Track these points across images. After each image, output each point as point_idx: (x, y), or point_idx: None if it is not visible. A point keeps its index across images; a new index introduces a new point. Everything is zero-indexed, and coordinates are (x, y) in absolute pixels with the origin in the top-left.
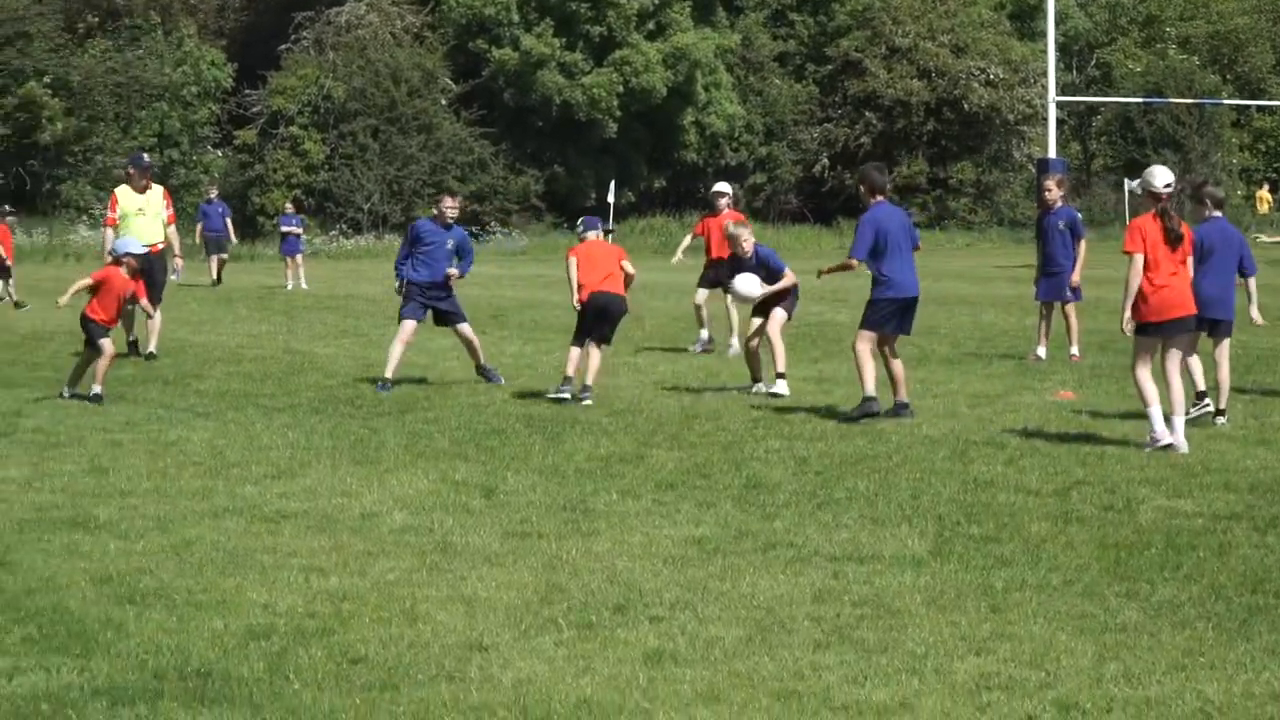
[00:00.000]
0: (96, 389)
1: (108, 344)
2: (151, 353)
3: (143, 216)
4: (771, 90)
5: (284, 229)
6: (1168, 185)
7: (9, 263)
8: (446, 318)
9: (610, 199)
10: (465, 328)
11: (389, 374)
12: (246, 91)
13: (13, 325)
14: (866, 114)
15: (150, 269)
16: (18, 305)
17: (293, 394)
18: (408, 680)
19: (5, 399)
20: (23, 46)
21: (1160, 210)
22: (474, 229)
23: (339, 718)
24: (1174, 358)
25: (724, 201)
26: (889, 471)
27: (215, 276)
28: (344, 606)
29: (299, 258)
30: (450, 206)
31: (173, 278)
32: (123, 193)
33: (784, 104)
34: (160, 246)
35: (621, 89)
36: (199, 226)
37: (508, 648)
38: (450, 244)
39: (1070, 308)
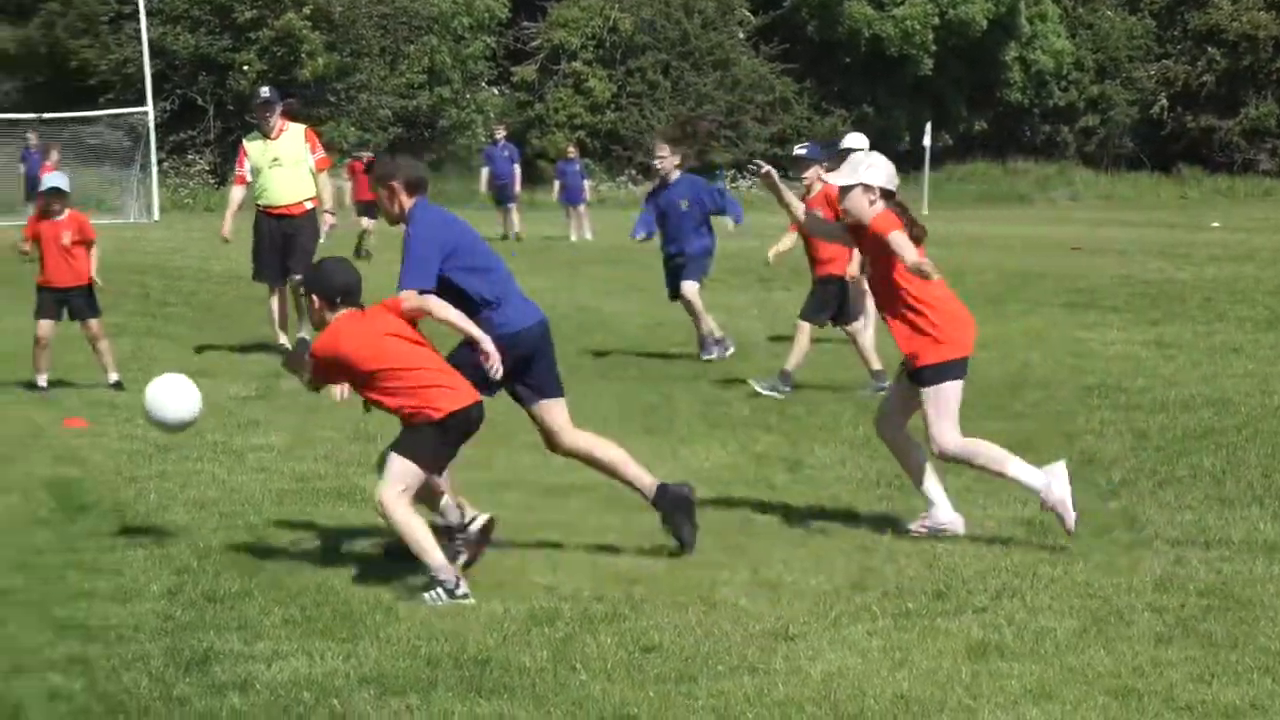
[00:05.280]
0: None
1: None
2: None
3: (279, 168)
4: (1103, 23)
5: (566, 175)
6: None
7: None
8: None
9: (925, 142)
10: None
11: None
12: (524, 24)
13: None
14: (1209, 49)
15: (295, 233)
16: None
17: (576, 355)
18: (706, 671)
19: (264, 360)
20: None
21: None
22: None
23: (631, 711)
24: None
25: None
26: (1238, 447)
27: (506, 230)
28: (635, 590)
29: (582, 207)
30: (658, 157)
31: (322, 241)
32: (251, 144)
33: (1117, 38)
34: (308, 205)
35: (937, 21)
36: (485, 173)
37: (816, 637)
38: (684, 204)
39: None
